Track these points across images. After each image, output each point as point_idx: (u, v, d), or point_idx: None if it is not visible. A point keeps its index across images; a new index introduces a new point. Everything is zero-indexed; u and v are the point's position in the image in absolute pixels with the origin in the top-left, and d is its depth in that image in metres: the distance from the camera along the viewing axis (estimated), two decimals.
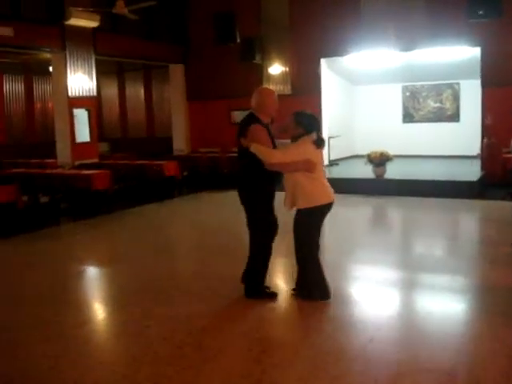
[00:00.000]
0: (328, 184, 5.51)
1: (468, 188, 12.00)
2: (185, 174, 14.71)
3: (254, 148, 5.14)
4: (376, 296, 5.80)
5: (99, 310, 5.83)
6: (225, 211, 11.35)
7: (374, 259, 7.37)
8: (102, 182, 10.91)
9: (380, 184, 12.56)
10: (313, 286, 5.53)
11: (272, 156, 5.17)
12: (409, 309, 5.50)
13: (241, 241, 8.32)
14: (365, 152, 17.08)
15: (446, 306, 5.52)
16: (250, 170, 5.33)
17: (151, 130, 19.30)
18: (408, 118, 18.09)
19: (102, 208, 11.06)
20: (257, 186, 5.39)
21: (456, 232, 9.50)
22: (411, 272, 6.72)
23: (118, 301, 6.07)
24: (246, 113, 5.57)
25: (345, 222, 9.97)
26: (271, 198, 5.49)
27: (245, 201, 5.49)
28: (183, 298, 5.83)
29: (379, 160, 12.41)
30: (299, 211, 5.39)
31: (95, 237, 9.48)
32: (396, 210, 11.48)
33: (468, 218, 10.72)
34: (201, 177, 14.80)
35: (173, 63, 16.92)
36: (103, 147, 19.09)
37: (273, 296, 5.66)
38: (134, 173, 12.85)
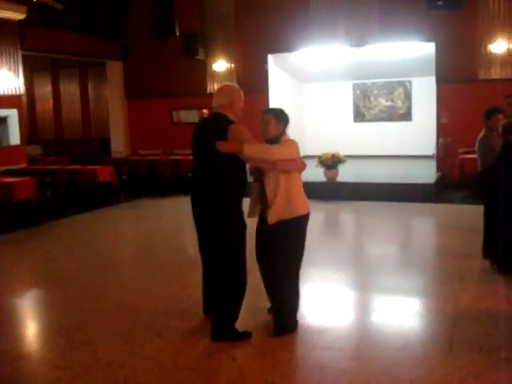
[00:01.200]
0: None
1: (425, 191, 11.33)
2: (124, 178, 13.65)
3: (249, 149, 4.35)
4: (329, 328, 4.92)
5: (6, 356, 4.74)
6: (166, 221, 10.38)
7: (322, 276, 6.51)
8: (26, 191, 9.77)
9: (332, 188, 11.78)
10: (285, 313, 4.77)
11: (274, 153, 4.46)
12: (370, 348, 4.59)
13: (185, 259, 7.42)
14: (314, 152, 16.43)
15: (409, 341, 4.60)
16: (227, 177, 4.49)
17: (88, 131, 18.03)
18: (359, 117, 17.43)
19: (26, 220, 9.90)
20: (232, 195, 4.54)
21: (416, 242, 8.66)
22: (366, 294, 5.90)
23: (31, 342, 5.08)
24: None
25: None
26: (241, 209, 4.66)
27: (213, 215, 4.53)
28: (107, 337, 4.83)
29: (331, 162, 11.63)
30: (288, 221, 4.57)
31: (16, 254, 8.31)
32: (349, 217, 10.70)
33: (428, 225, 10.01)
34: (140, 182, 13.72)
35: (110, 60, 15.78)
36: (35, 150, 17.77)
37: (247, 336, 4.68)
38: (65, 179, 11.70)
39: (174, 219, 10.48)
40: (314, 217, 9.81)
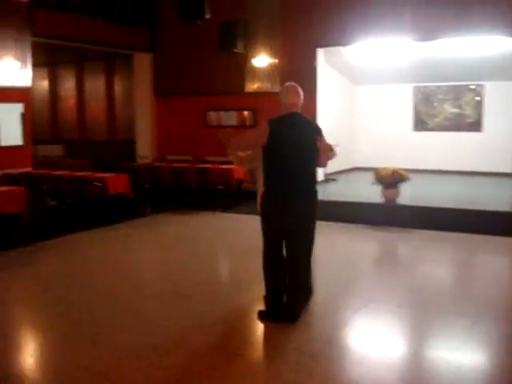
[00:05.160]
0: None
1: (505, 221, 9.04)
2: (146, 187, 11.82)
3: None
4: None
5: None
6: (185, 247, 8.28)
7: (369, 344, 4.38)
8: (13, 204, 7.90)
9: (389, 211, 9.61)
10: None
11: None
12: None
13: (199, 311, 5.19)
14: (366, 164, 14.68)
15: None
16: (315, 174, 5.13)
17: (112, 132, 16.18)
18: (420, 125, 15.14)
19: (13, 239, 8.05)
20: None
21: (501, 300, 5.94)
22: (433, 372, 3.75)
23: None
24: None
25: (341, 262, 7.05)
26: None
27: (313, 211, 4.98)
28: None
29: (391, 180, 9.45)
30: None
31: None
32: (410, 253, 8.29)
33: None
34: (163, 192, 11.83)
35: (138, 51, 13.91)
36: (56, 150, 16.14)
37: None
38: (72, 188, 9.89)
39: (195, 244, 8.38)
40: (365, 247, 7.55)
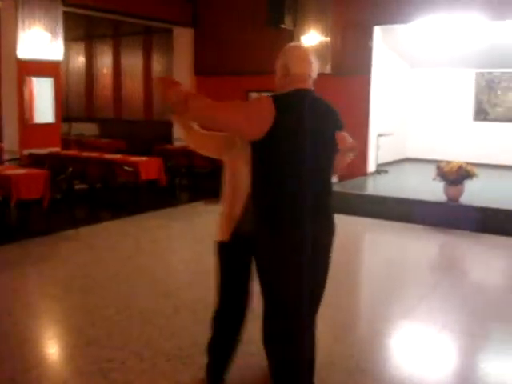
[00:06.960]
0: None
1: None
2: (183, 171, 11.00)
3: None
4: None
5: None
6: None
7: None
8: (32, 189, 7.07)
9: (452, 211, 8.50)
10: None
11: None
12: None
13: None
14: (418, 155, 13.79)
15: None
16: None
17: (149, 112, 15.33)
18: (481, 114, 13.83)
19: (31, 228, 7.28)
20: None
21: None
22: None
23: None
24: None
25: (398, 273, 6.05)
26: None
27: (331, 243, 3.06)
28: None
29: (456, 176, 8.33)
30: None
31: None
32: (482, 263, 7.23)
33: None
34: (198, 178, 10.99)
35: (178, 25, 12.95)
36: (91, 129, 15.41)
37: None
38: (100, 172, 9.07)
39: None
40: (424, 254, 7.35)
